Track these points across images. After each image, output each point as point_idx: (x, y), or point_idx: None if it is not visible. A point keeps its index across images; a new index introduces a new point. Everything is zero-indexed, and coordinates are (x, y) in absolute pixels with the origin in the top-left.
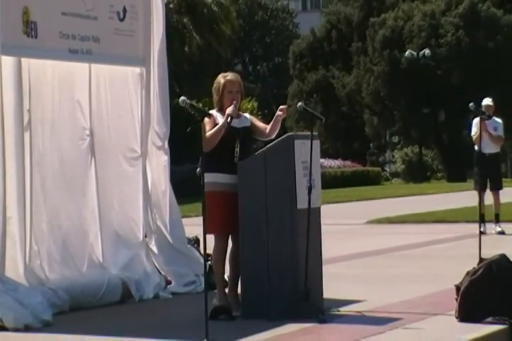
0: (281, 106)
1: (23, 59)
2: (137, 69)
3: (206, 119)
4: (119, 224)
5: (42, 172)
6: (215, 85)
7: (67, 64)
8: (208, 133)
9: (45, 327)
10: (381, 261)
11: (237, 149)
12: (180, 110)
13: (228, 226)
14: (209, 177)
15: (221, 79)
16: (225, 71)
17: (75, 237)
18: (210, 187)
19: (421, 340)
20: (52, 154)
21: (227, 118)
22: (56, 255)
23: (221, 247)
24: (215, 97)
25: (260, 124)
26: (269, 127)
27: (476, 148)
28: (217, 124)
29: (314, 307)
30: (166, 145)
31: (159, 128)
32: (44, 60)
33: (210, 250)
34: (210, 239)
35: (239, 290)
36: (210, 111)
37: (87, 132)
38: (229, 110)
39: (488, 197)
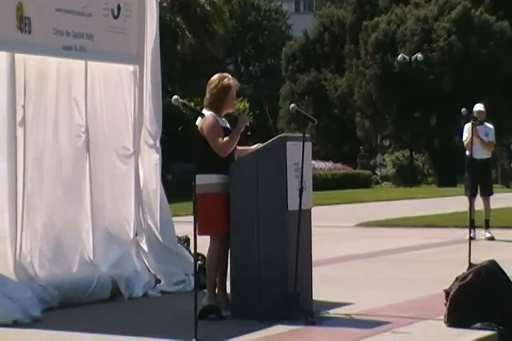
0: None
1: (18, 54)
2: (130, 67)
3: (211, 123)
4: (110, 222)
5: (40, 168)
6: (215, 86)
7: (64, 60)
8: (226, 141)
9: (34, 323)
10: (371, 265)
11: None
12: (173, 108)
13: (227, 227)
14: (209, 179)
15: (227, 81)
16: (221, 71)
17: (67, 234)
18: (211, 188)
19: None
20: (50, 151)
21: (244, 128)
22: (48, 252)
23: (218, 248)
24: (213, 98)
25: None
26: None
27: (467, 153)
28: (222, 127)
29: (303, 309)
30: (158, 144)
31: (151, 126)
32: (41, 56)
33: (200, 249)
34: (200, 238)
35: (228, 290)
36: (208, 113)
37: (83, 129)
38: (246, 121)
39: (479, 203)
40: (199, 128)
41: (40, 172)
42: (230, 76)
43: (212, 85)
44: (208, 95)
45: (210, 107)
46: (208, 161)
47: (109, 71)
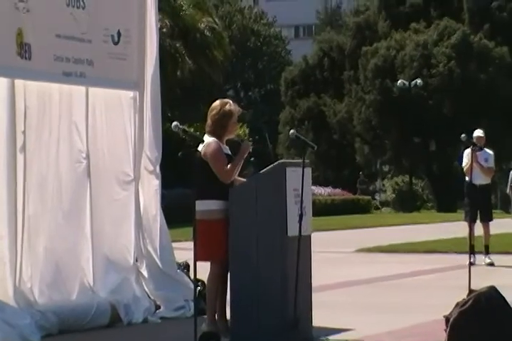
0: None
1: (18, 80)
2: (130, 93)
3: (215, 150)
4: (110, 248)
5: (42, 194)
6: (217, 112)
7: (65, 85)
8: (230, 167)
9: None
10: (370, 290)
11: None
12: (172, 134)
13: (228, 253)
14: (210, 205)
15: (228, 107)
16: (222, 97)
17: (67, 260)
18: (212, 214)
19: None
20: (52, 176)
21: (248, 155)
22: (48, 278)
23: (219, 274)
24: (215, 125)
25: None
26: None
27: (466, 179)
28: (225, 154)
29: (303, 335)
30: (158, 170)
31: (151, 152)
32: (41, 82)
33: (199, 275)
34: (200, 264)
35: (228, 316)
36: (211, 140)
37: (84, 155)
38: (249, 148)
39: (479, 228)
40: (202, 154)
41: (43, 198)
42: (231, 102)
43: (214, 112)
44: (209, 121)
45: (212, 133)
46: (209, 187)
47: (109, 96)
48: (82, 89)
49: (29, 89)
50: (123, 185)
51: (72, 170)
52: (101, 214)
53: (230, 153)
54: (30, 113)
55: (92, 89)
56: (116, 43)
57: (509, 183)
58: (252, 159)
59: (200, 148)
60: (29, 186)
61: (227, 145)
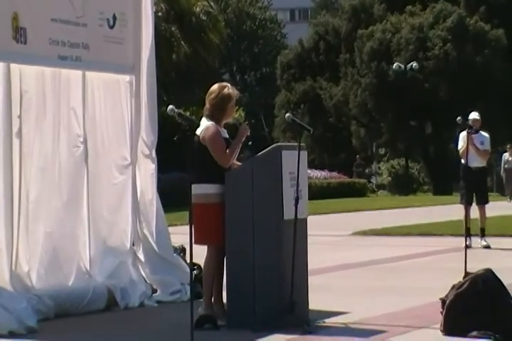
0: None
1: (13, 64)
2: (127, 77)
3: (214, 134)
4: (107, 232)
5: (44, 178)
6: (216, 96)
7: (63, 70)
8: (229, 151)
9: (30, 333)
10: (366, 273)
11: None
12: (168, 118)
13: (224, 237)
14: (208, 189)
15: (227, 90)
16: (218, 80)
17: (65, 244)
18: (209, 198)
19: None
20: (52, 160)
21: (246, 138)
22: (46, 262)
23: (215, 258)
24: (213, 108)
25: None
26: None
27: (462, 161)
28: (223, 138)
29: (299, 319)
30: (154, 154)
31: (147, 136)
32: (37, 66)
33: (196, 259)
34: (196, 248)
35: (224, 300)
36: (210, 123)
37: (81, 139)
38: (247, 131)
39: (474, 211)
40: (200, 138)
41: (41, 183)
42: (229, 85)
43: (213, 95)
44: (208, 105)
45: (211, 117)
46: (206, 171)
47: (108, 80)
48: (79, 73)
49: (25, 73)
50: (121, 169)
51: (69, 154)
52: (99, 198)
53: (228, 136)
54: (26, 97)
55: (90, 73)
56: (111, 27)
57: (502, 165)
58: (250, 143)
59: (199, 132)
60: (27, 171)
61: (225, 128)
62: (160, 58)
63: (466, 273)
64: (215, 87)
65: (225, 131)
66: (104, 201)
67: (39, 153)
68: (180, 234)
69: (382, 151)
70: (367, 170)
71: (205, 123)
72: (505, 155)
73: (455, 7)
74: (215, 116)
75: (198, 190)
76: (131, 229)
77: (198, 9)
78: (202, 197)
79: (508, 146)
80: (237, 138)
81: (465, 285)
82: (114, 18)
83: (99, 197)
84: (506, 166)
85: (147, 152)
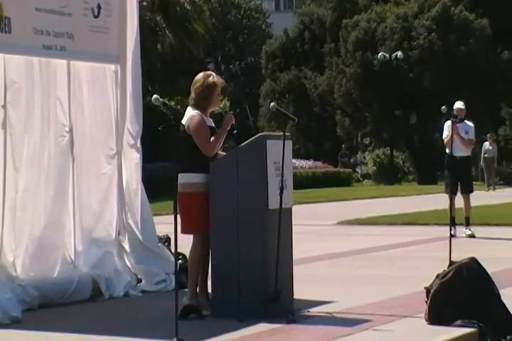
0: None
1: None
2: (112, 67)
3: (198, 123)
4: (93, 222)
5: (32, 167)
6: (201, 85)
7: (48, 59)
8: (213, 140)
9: (14, 323)
10: (351, 263)
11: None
12: (153, 108)
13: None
14: (194, 178)
15: (212, 79)
16: (203, 70)
17: (50, 234)
18: (195, 187)
19: None
20: (40, 149)
21: (231, 127)
22: (31, 252)
23: (201, 247)
24: (198, 97)
25: None
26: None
27: (447, 151)
28: (209, 126)
29: (284, 308)
30: (139, 144)
31: (132, 126)
32: (22, 55)
33: (180, 249)
34: (181, 237)
35: (209, 290)
36: (195, 112)
37: (67, 129)
38: (232, 120)
39: (459, 200)
40: (186, 127)
41: (32, 172)
42: (214, 74)
43: (198, 84)
44: (193, 94)
45: (196, 106)
46: (192, 160)
47: (94, 70)
48: (65, 62)
49: (9, 63)
50: (107, 159)
51: (56, 144)
52: (85, 188)
53: (213, 125)
54: (15, 88)
55: (76, 62)
56: (96, 16)
57: (482, 154)
58: (235, 132)
59: (184, 121)
60: (15, 161)
61: (211, 118)
62: (145, 48)
63: (451, 262)
64: (200, 75)
65: (211, 119)
66: (90, 191)
67: (28, 143)
68: (165, 224)
69: (367, 141)
70: (352, 160)
71: (190, 112)
72: (485, 145)
73: None
74: (200, 105)
75: (183, 179)
76: (116, 219)
77: None
78: (187, 186)
79: (488, 135)
80: (222, 127)
81: (450, 274)
82: (99, 7)
83: (85, 187)
84: (486, 155)
85: (132, 142)
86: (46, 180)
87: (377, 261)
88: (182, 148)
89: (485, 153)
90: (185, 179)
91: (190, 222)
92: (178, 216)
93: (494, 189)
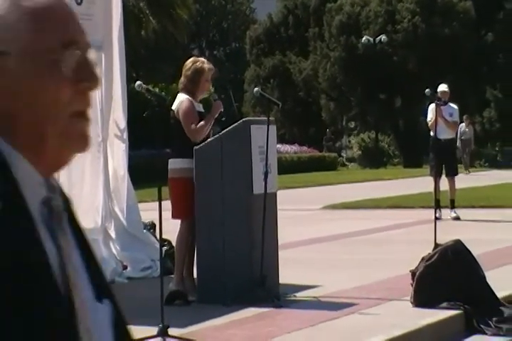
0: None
1: None
2: (96, 54)
3: (186, 108)
4: (78, 209)
5: None
6: (189, 69)
7: None
8: (200, 126)
9: None
10: (337, 247)
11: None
12: (137, 95)
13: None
14: (183, 163)
15: (202, 65)
16: (185, 57)
17: None
18: (184, 172)
19: (376, 325)
20: None
21: (219, 114)
22: None
23: (188, 233)
24: (187, 81)
25: None
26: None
27: (431, 133)
28: (198, 112)
29: (270, 293)
30: (125, 131)
31: (117, 113)
32: None
33: (166, 235)
34: (166, 223)
35: (195, 275)
36: (184, 97)
37: None
38: (221, 107)
39: (444, 183)
40: (175, 112)
41: None
42: (204, 60)
43: (186, 68)
44: (182, 78)
45: (185, 90)
46: (182, 146)
47: None
48: None
49: None
50: (94, 145)
51: None
52: (70, 174)
53: (203, 110)
54: None
55: None
56: (79, 3)
57: (459, 136)
58: (223, 119)
59: (174, 106)
60: None
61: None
62: (128, 34)
63: (436, 245)
64: (189, 60)
65: (201, 105)
66: (75, 178)
67: None
68: (151, 211)
69: (352, 125)
70: (337, 144)
71: (180, 97)
72: (462, 126)
73: None
74: (189, 90)
75: (173, 164)
76: (102, 205)
77: None
78: (177, 171)
79: (465, 117)
80: (210, 113)
81: (435, 256)
82: None
83: (72, 173)
84: (463, 137)
85: (118, 128)
86: None
87: (362, 245)
88: (172, 134)
89: (461, 135)
90: (175, 164)
91: (179, 207)
92: (168, 202)
93: (469, 172)
